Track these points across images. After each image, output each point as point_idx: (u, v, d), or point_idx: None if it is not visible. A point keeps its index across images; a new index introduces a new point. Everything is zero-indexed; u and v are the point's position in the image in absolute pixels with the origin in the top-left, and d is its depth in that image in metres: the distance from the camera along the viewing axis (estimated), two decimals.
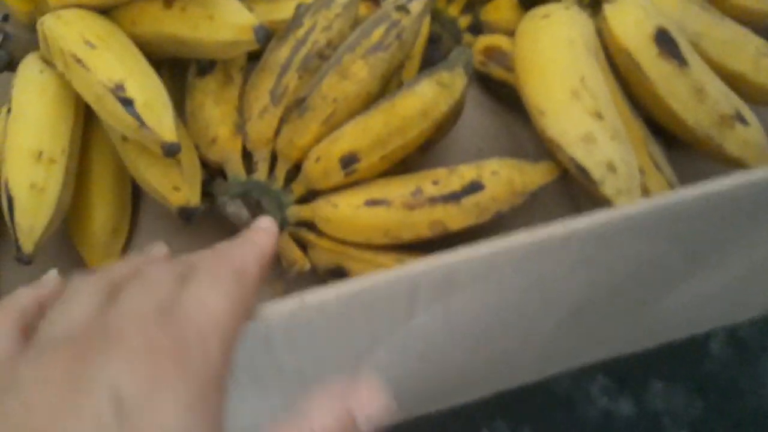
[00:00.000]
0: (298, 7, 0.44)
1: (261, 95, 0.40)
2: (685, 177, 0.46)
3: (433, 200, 0.38)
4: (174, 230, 0.43)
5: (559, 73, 0.38)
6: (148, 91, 0.35)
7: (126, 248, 0.43)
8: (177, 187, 0.37)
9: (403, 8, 0.39)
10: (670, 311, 0.42)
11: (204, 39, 0.38)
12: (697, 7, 0.44)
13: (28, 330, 0.22)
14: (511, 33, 0.48)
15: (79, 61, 0.35)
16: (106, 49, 0.36)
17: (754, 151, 0.43)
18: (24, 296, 0.24)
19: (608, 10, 0.42)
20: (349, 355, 0.30)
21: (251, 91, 0.41)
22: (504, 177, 0.39)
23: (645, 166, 0.44)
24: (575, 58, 0.39)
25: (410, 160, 0.42)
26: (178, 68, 0.43)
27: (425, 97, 0.39)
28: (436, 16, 0.50)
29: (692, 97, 0.41)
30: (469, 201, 0.38)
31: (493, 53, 0.49)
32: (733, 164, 0.44)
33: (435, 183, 0.39)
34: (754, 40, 0.45)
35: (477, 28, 0.51)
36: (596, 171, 0.36)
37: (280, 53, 0.41)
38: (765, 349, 0.50)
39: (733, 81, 0.44)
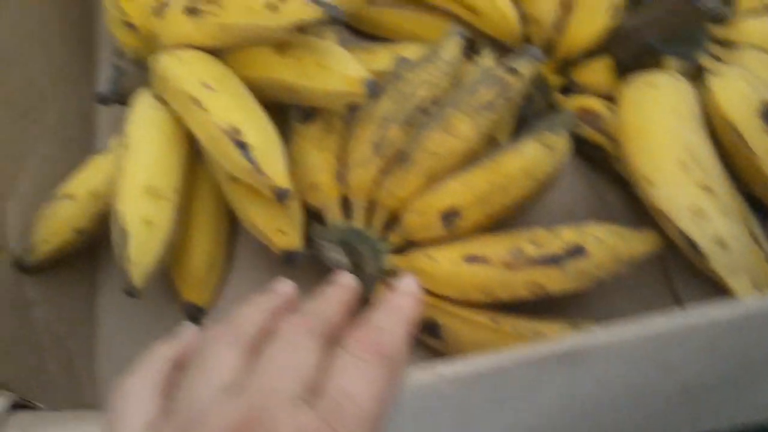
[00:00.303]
0: (400, 60, 0.44)
1: (364, 145, 0.41)
2: None
3: (533, 261, 0.38)
4: (268, 268, 0.43)
5: (667, 142, 0.38)
6: (264, 137, 0.35)
7: (220, 284, 0.43)
8: (282, 231, 0.37)
9: (513, 70, 0.39)
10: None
11: (315, 88, 0.38)
12: None
13: (170, 387, 0.22)
14: (603, 95, 0.48)
15: (197, 102, 0.36)
16: (223, 92, 0.36)
17: None
18: (162, 354, 0.24)
19: (714, 82, 0.42)
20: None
21: (353, 141, 0.41)
22: (608, 243, 0.38)
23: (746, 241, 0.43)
24: (684, 129, 0.38)
25: (504, 216, 0.41)
26: (277, 112, 0.44)
27: (530, 157, 0.38)
28: None
29: None
30: (571, 266, 0.38)
31: (586, 114, 0.48)
32: None
33: (534, 243, 0.38)
34: None
35: (565, 89, 0.51)
36: (706, 246, 0.36)
37: (383, 105, 0.41)
38: None
39: None
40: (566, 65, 0.50)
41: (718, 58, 0.44)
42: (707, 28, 0.45)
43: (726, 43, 0.45)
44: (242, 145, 0.35)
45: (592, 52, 0.49)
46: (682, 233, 0.36)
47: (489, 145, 0.43)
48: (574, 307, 0.44)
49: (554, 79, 0.51)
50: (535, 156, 0.39)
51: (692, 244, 0.36)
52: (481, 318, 0.39)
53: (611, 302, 0.46)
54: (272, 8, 0.36)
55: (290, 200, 0.37)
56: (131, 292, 0.34)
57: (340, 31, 0.53)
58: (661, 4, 0.43)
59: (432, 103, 0.42)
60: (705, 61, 0.44)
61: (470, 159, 0.40)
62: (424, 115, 0.41)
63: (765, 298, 0.28)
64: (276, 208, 0.37)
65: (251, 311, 0.25)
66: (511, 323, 0.39)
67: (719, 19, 0.42)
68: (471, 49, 0.52)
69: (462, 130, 0.39)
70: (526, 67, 0.40)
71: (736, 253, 0.36)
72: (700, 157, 0.38)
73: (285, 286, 0.28)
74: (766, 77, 0.42)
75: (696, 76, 0.44)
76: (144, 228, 0.35)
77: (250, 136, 0.35)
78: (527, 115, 0.49)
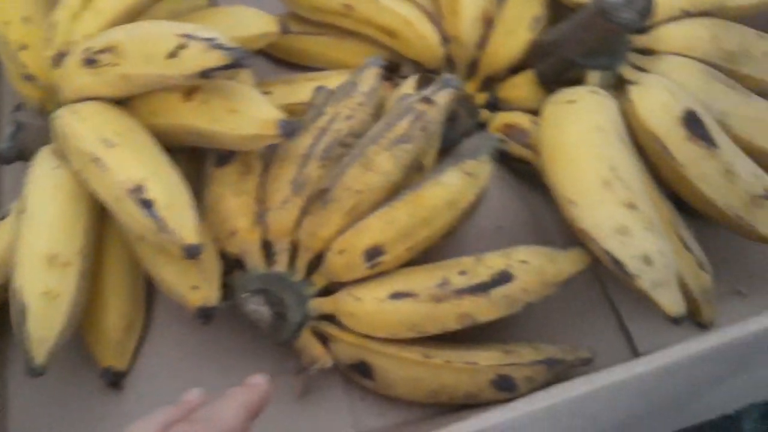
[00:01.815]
0: (318, 91, 0.43)
1: (282, 185, 0.39)
2: (712, 250, 0.45)
3: (460, 292, 0.37)
4: (188, 325, 0.41)
5: (589, 161, 0.38)
6: (170, 191, 0.34)
7: (140, 344, 0.42)
8: (195, 286, 0.36)
9: (429, 100, 0.39)
10: (708, 403, 0.40)
11: (226, 133, 0.37)
12: (723, 85, 0.43)
13: None
14: (529, 110, 0.48)
15: (96, 160, 0.35)
16: (125, 147, 0.35)
17: None
18: None
19: (634, 92, 0.42)
20: None
21: (272, 181, 0.40)
22: (534, 266, 0.37)
23: (675, 248, 0.42)
24: (605, 146, 0.38)
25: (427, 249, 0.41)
26: (196, 156, 0.42)
27: (452, 187, 0.38)
28: None
29: (722, 178, 0.40)
30: (498, 293, 0.37)
31: (512, 131, 0.48)
32: (765, 242, 0.43)
33: (462, 273, 0.37)
34: None
35: (492, 105, 0.50)
36: (632, 264, 0.35)
37: (302, 142, 0.40)
38: None
39: (762, 158, 0.43)
40: (491, 82, 0.50)
41: (640, 68, 0.44)
42: (628, 39, 0.44)
43: (648, 52, 0.44)
44: (146, 203, 0.33)
45: (515, 68, 0.48)
46: (608, 253, 0.36)
47: (415, 171, 0.42)
48: (510, 324, 0.43)
49: (480, 97, 0.50)
50: (457, 186, 0.38)
51: (618, 264, 0.36)
52: (413, 354, 0.38)
53: (547, 314, 0.45)
54: (172, 56, 0.35)
55: (204, 252, 0.35)
56: (33, 371, 0.33)
57: (261, 63, 0.52)
58: (577, 19, 0.42)
59: (352, 136, 0.41)
60: (626, 71, 0.43)
61: (392, 192, 0.39)
62: (345, 149, 0.40)
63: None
64: (187, 263, 0.36)
65: (144, 426, 0.26)
66: (443, 356, 0.38)
67: (635, 31, 0.42)
68: (395, 72, 0.51)
69: (381, 165, 0.38)
70: (440, 95, 0.39)
71: (660, 267, 0.35)
72: (623, 173, 0.37)
73: (190, 396, 0.29)
74: (688, 83, 0.42)
75: (619, 87, 0.44)
76: (45, 301, 0.33)
77: (155, 192, 0.33)
78: (454, 136, 0.49)
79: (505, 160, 0.49)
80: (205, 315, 0.36)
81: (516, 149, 0.48)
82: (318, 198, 0.38)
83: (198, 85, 0.37)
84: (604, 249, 0.36)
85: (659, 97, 0.41)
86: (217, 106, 0.37)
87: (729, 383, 0.39)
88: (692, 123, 0.40)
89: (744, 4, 0.45)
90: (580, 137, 0.38)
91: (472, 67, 0.49)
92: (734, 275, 0.48)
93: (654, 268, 0.36)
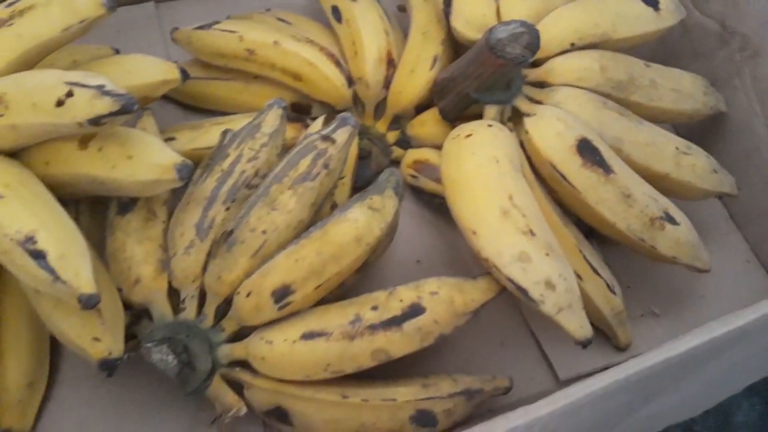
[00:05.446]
0: (223, 134, 0.43)
1: (186, 230, 0.39)
2: (623, 272, 0.47)
3: (373, 328, 0.37)
4: (97, 378, 0.39)
5: (487, 192, 0.38)
6: (62, 241, 0.33)
7: (44, 404, 0.39)
8: (97, 338, 0.35)
9: (328, 138, 0.39)
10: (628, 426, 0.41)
11: (123, 180, 0.36)
12: (616, 113, 0.45)
13: None
14: (437, 146, 0.49)
15: None
16: (14, 199, 0.34)
17: (685, 249, 0.44)
18: None
19: (529, 124, 0.43)
20: None
21: (176, 227, 0.39)
22: (444, 297, 0.38)
23: (582, 272, 0.44)
24: (501, 177, 0.39)
25: (346, 281, 0.40)
26: (99, 205, 0.41)
27: (358, 223, 0.38)
28: (364, 132, 0.50)
29: (621, 202, 0.42)
30: (410, 326, 0.37)
31: (422, 166, 0.49)
32: (668, 262, 0.44)
33: (374, 309, 0.37)
34: (673, 140, 0.46)
35: (405, 142, 0.51)
36: (535, 290, 0.36)
37: (206, 185, 0.40)
38: None
39: (658, 181, 0.45)
40: (399, 120, 0.51)
41: (535, 100, 0.45)
42: (522, 73, 0.46)
43: (541, 84, 0.46)
44: (37, 254, 0.32)
45: (421, 106, 0.50)
46: (511, 281, 0.36)
47: (327, 211, 0.42)
48: (432, 357, 0.43)
49: (391, 135, 0.51)
50: (363, 221, 0.38)
51: (522, 291, 0.36)
52: (330, 395, 0.37)
53: (469, 345, 0.46)
54: (60, 104, 0.34)
55: (103, 302, 0.34)
56: None
57: (169, 109, 0.52)
58: (470, 55, 0.44)
59: (257, 177, 0.40)
60: (522, 104, 0.45)
61: (299, 231, 0.39)
62: (250, 191, 0.40)
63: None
64: (87, 314, 0.34)
65: None
66: (360, 394, 0.38)
67: (525, 65, 0.43)
68: (306, 113, 0.51)
69: (285, 203, 0.38)
70: (340, 133, 0.39)
71: (563, 291, 0.36)
72: (519, 202, 0.38)
73: None
74: (581, 112, 0.44)
75: (516, 119, 0.45)
76: None
77: (46, 243, 0.32)
78: (369, 174, 0.49)
79: (419, 195, 0.50)
80: (109, 367, 0.35)
81: (428, 184, 0.48)
82: (223, 241, 0.38)
83: (93, 133, 0.36)
84: (507, 276, 0.37)
85: (553, 127, 0.42)
86: (113, 153, 0.36)
87: (645, 409, 0.40)
88: (586, 150, 0.42)
89: (628, 36, 0.47)
90: (478, 169, 0.39)
91: (381, 107, 0.50)
92: (646, 296, 0.50)
93: (556, 293, 0.36)
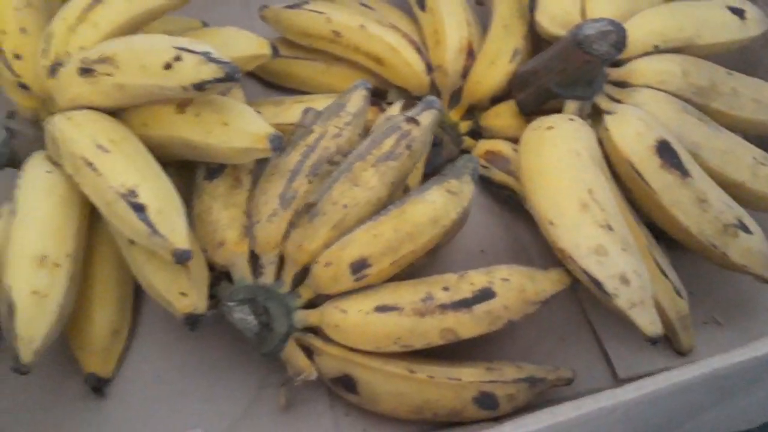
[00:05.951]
0: (306, 112, 0.44)
1: (270, 199, 0.40)
2: (689, 278, 0.46)
3: (443, 307, 0.38)
4: (175, 333, 0.41)
5: (567, 184, 0.39)
6: (161, 197, 0.35)
7: (125, 352, 0.41)
8: (184, 293, 0.36)
9: (413, 120, 0.40)
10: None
11: (218, 145, 0.38)
12: (695, 119, 0.45)
13: None
14: (510, 138, 0.49)
15: (90, 164, 0.35)
16: (118, 153, 0.36)
17: (757, 259, 0.43)
18: None
19: (610, 121, 0.43)
20: None
21: (260, 195, 0.41)
22: (515, 284, 0.38)
23: (651, 273, 0.44)
24: (582, 170, 0.39)
25: (416, 262, 0.41)
26: (185, 169, 0.43)
27: (435, 205, 0.39)
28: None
29: (695, 206, 0.42)
30: (480, 309, 0.38)
31: (494, 157, 0.49)
32: (738, 271, 0.44)
33: (445, 289, 0.38)
34: (751, 150, 0.46)
35: (476, 133, 0.52)
36: (610, 284, 0.36)
37: (290, 158, 0.41)
38: None
39: (733, 189, 0.45)
40: (474, 110, 0.51)
41: (616, 99, 0.46)
42: (604, 71, 0.46)
43: (623, 84, 0.46)
44: (138, 207, 0.34)
45: (497, 98, 0.50)
46: (586, 273, 0.37)
47: (401, 192, 0.43)
48: (494, 344, 0.44)
49: (464, 125, 0.52)
50: (441, 203, 0.39)
51: (597, 283, 0.37)
52: (397, 369, 0.38)
53: (529, 336, 0.46)
54: (167, 67, 0.36)
55: (193, 260, 0.36)
56: (19, 369, 0.33)
57: (251, 85, 0.54)
58: (554, 50, 0.44)
59: (339, 155, 0.42)
60: (603, 102, 0.45)
61: (378, 208, 0.40)
62: (332, 167, 0.41)
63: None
64: (177, 270, 0.36)
65: None
66: (427, 371, 0.39)
67: (610, 63, 0.44)
68: (382, 98, 0.53)
69: (368, 180, 0.39)
70: (424, 116, 0.40)
71: (637, 287, 0.37)
72: (599, 196, 0.38)
73: None
74: (661, 115, 0.44)
75: (595, 116, 0.45)
76: (33, 300, 0.33)
77: (147, 198, 0.34)
78: (440, 161, 0.50)
79: (488, 186, 0.51)
80: (193, 322, 0.36)
81: (498, 175, 0.49)
82: (305, 212, 0.39)
83: (191, 98, 0.38)
84: (582, 268, 0.37)
85: (634, 127, 0.43)
86: (209, 119, 0.38)
87: (710, 413, 0.40)
88: (665, 152, 0.42)
89: (712, 42, 0.47)
90: (558, 161, 0.40)
91: (456, 96, 0.51)
92: (710, 304, 0.49)
93: (631, 288, 0.37)
